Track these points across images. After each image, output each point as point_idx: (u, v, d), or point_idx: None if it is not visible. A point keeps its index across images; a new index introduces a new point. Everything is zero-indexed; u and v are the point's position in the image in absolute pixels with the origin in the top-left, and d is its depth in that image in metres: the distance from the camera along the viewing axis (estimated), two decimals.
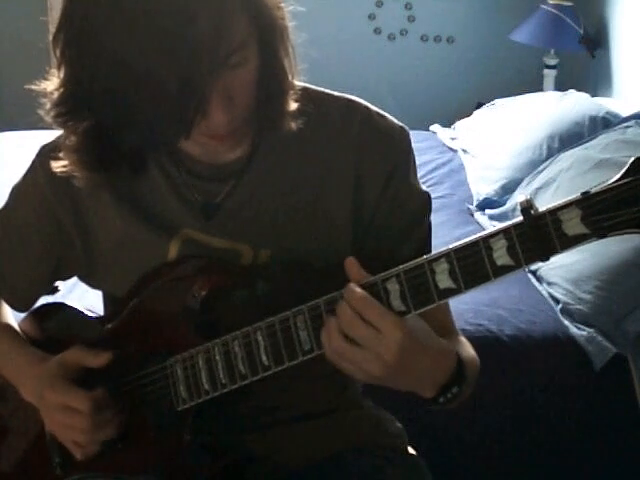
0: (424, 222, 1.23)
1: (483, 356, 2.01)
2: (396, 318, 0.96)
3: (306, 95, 1.14)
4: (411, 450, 1.30)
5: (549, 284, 2.21)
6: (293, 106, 1.10)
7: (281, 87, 1.09)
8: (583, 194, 0.88)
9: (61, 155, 1.12)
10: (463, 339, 1.22)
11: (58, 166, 1.12)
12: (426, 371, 1.02)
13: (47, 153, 1.20)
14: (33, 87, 1.06)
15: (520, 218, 0.91)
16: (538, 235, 0.90)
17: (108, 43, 0.95)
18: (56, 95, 1.04)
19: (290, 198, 1.16)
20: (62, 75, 1.03)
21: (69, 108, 1.04)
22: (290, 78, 1.09)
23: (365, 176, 1.16)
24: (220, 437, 1.17)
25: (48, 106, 1.05)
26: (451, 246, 0.94)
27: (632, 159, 0.87)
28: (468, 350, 1.18)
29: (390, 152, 1.17)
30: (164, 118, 0.97)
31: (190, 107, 0.97)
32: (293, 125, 1.11)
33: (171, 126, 0.99)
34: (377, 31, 4.08)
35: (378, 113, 1.20)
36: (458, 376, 1.05)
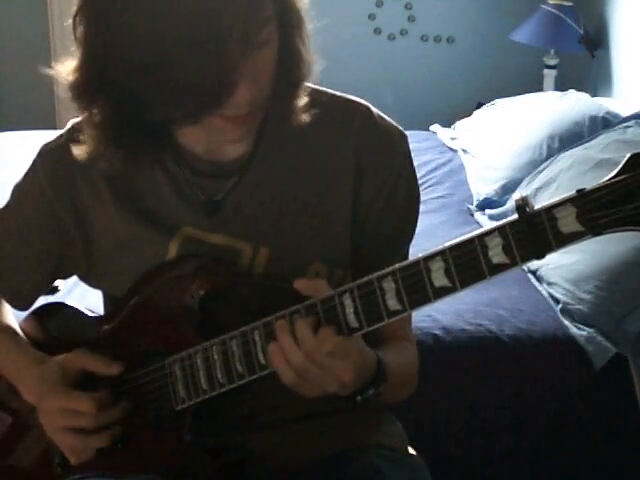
0: (413, 227, 1.23)
1: (483, 356, 2.03)
2: (345, 344, 1.00)
3: (308, 94, 1.14)
4: (411, 450, 1.30)
5: (549, 284, 2.21)
6: (304, 100, 1.11)
7: (297, 75, 1.09)
8: (578, 192, 0.88)
9: (82, 138, 1.11)
10: (406, 344, 1.23)
11: (80, 151, 1.12)
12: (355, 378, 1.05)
13: (48, 152, 1.21)
14: (49, 70, 1.06)
15: (515, 216, 0.91)
16: (533, 233, 0.90)
17: (141, 17, 0.95)
18: (77, 75, 1.03)
19: (291, 196, 1.16)
20: (82, 53, 1.02)
21: (93, 86, 1.03)
22: (306, 68, 1.10)
23: (364, 176, 1.17)
24: (220, 437, 1.17)
25: (66, 87, 1.05)
26: (447, 244, 0.94)
27: (627, 156, 0.87)
28: (402, 354, 1.20)
29: (388, 154, 1.18)
30: (198, 91, 0.97)
31: (223, 81, 0.97)
32: (304, 117, 1.11)
33: (204, 100, 0.99)
34: (377, 31, 4.08)
35: (379, 115, 1.20)
36: (376, 378, 1.07)
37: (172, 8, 0.94)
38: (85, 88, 1.04)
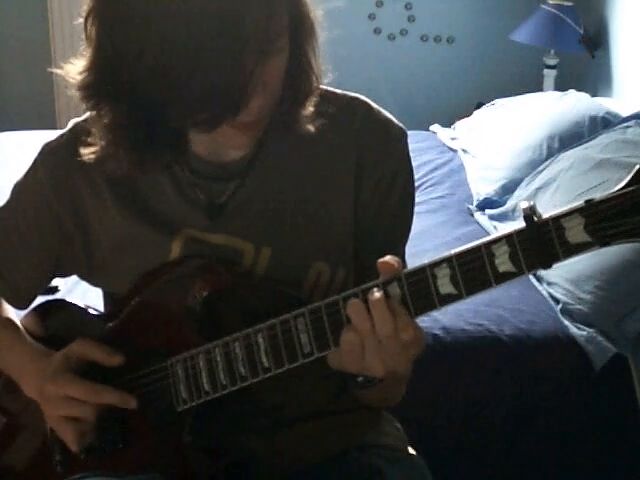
0: (408, 226, 1.23)
1: (483, 356, 2.03)
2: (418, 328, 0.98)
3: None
4: (411, 450, 1.30)
5: (549, 284, 2.21)
6: (310, 109, 1.11)
7: (306, 85, 1.09)
8: (587, 202, 0.88)
9: (90, 140, 1.11)
10: None
11: (88, 152, 1.12)
12: None
13: (49, 151, 1.21)
14: (57, 70, 1.06)
15: (523, 224, 0.90)
16: (541, 242, 0.89)
17: (159, 22, 0.94)
18: (87, 75, 1.03)
19: (293, 196, 1.16)
20: (95, 54, 1.02)
21: (104, 87, 1.02)
22: (315, 78, 1.10)
23: (364, 172, 1.17)
24: (221, 437, 1.17)
25: (75, 88, 1.04)
26: (453, 251, 0.94)
27: (637, 167, 0.86)
28: None
29: (387, 149, 1.18)
30: (216, 100, 0.97)
31: (241, 90, 0.97)
32: (310, 127, 1.11)
33: (221, 108, 0.98)
34: (377, 31, 4.08)
35: (379, 110, 1.21)
36: None
37: (190, 14, 0.93)
38: (95, 89, 1.03)
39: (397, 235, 1.22)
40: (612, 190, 0.87)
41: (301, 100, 1.10)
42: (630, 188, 0.86)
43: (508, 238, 0.91)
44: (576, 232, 0.88)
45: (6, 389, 1.26)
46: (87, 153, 1.12)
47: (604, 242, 0.88)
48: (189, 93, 0.96)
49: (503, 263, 0.91)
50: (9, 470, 1.29)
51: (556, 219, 0.89)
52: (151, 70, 0.96)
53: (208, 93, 0.96)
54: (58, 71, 1.06)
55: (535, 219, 0.89)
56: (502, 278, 0.92)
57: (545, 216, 0.90)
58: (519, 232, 0.91)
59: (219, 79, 0.95)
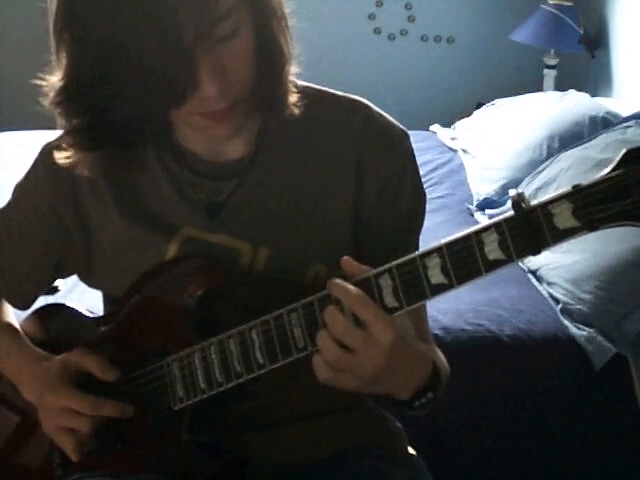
0: (418, 227, 1.22)
1: (483, 356, 2.03)
2: (388, 318, 0.96)
3: (309, 94, 1.14)
4: (411, 450, 1.30)
5: (549, 284, 2.21)
6: (294, 94, 1.10)
7: (278, 63, 1.08)
8: (574, 187, 0.88)
9: (64, 145, 1.12)
10: (436, 348, 1.22)
11: (61, 157, 1.12)
12: (407, 374, 1.02)
13: (50, 151, 1.21)
14: (38, 82, 1.07)
15: (512, 212, 0.91)
16: (529, 229, 0.89)
17: (95, 23, 0.96)
18: (58, 86, 1.04)
19: (291, 197, 1.16)
20: (62, 66, 1.03)
21: (66, 95, 1.04)
22: (287, 55, 1.08)
23: (365, 176, 1.17)
24: (220, 437, 1.17)
25: (50, 100, 1.05)
26: (443, 241, 0.94)
27: (623, 151, 0.86)
28: (442, 358, 1.18)
29: (390, 153, 1.18)
30: (153, 91, 0.97)
31: (179, 78, 0.97)
32: (296, 110, 1.11)
33: (161, 99, 0.98)
34: (377, 31, 4.08)
35: (380, 114, 1.20)
36: (433, 381, 1.06)
37: (123, 4, 0.93)
38: (61, 96, 1.05)
39: (409, 235, 1.22)
40: (599, 174, 0.87)
41: (276, 76, 1.09)
42: (616, 172, 0.86)
43: (497, 226, 0.91)
44: (564, 217, 0.88)
45: (17, 387, 1.25)
46: (60, 157, 1.13)
47: (592, 226, 0.88)
48: (130, 88, 0.97)
49: (493, 251, 0.91)
50: (11, 469, 1.30)
51: (544, 205, 0.89)
52: (92, 72, 0.99)
53: (153, 82, 0.96)
54: (40, 82, 1.07)
55: (523, 206, 0.90)
56: (492, 266, 0.92)
57: (533, 202, 0.90)
58: (508, 219, 0.91)
59: (162, 68, 0.95)
